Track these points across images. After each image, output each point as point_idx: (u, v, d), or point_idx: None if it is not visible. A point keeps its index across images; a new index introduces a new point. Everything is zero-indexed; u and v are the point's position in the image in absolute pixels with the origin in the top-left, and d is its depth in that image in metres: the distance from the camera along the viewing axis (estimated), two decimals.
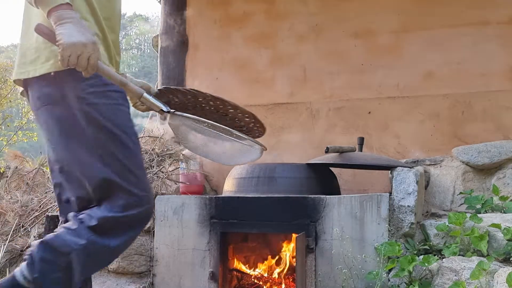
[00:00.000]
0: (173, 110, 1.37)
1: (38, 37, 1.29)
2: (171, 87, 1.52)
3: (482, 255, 1.95)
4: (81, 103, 1.30)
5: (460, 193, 2.33)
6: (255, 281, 2.43)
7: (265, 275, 2.46)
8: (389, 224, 2.09)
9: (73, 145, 1.34)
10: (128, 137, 1.36)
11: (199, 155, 1.54)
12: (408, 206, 2.10)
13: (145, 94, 1.34)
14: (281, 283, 2.38)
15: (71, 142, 1.34)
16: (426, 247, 2.11)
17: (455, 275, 1.86)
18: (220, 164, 1.77)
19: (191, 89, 1.49)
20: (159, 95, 1.47)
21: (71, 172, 1.37)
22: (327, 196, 2.17)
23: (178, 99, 1.52)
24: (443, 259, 1.97)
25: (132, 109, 1.47)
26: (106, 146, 1.33)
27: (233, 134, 1.37)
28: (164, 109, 1.37)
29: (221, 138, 1.39)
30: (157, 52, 3.56)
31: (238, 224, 2.27)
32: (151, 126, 3.28)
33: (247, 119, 1.55)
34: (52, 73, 1.31)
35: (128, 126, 1.37)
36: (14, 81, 1.42)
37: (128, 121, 1.38)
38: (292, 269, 2.39)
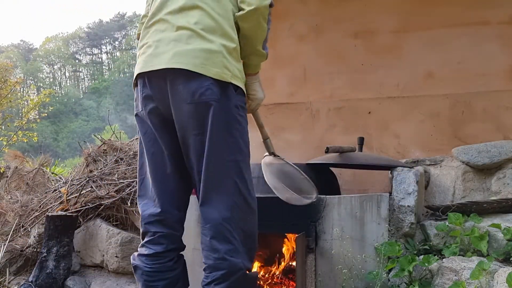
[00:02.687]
0: (278, 155, 1.89)
1: (226, 50, 1.55)
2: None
3: (482, 255, 1.95)
4: (236, 111, 1.55)
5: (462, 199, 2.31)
6: None
7: (265, 275, 2.46)
8: (389, 224, 2.09)
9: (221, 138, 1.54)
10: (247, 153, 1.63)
11: (271, 187, 1.97)
12: (408, 206, 2.10)
13: (268, 140, 1.87)
14: (281, 283, 2.38)
15: (223, 136, 1.53)
16: (426, 247, 2.10)
17: (455, 275, 1.86)
18: None
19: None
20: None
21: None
22: (327, 196, 2.17)
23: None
24: (443, 259, 1.97)
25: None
26: (240, 152, 1.56)
27: (310, 184, 1.91)
28: (273, 151, 1.90)
29: (292, 187, 1.91)
30: None
31: None
32: None
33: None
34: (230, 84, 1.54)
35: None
36: (173, 69, 1.50)
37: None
38: (292, 269, 2.38)
